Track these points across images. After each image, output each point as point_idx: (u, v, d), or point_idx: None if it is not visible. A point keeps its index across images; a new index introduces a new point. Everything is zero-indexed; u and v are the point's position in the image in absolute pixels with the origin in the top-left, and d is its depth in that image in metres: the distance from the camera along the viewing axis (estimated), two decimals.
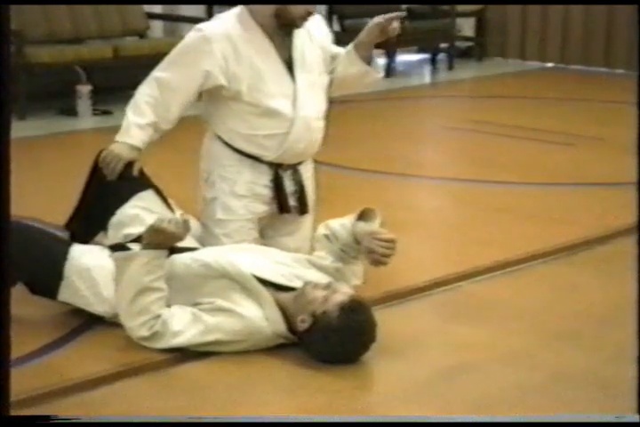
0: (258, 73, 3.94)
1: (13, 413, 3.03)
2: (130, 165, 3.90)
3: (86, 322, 3.65)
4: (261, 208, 4.10)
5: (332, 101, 4.21)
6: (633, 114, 7.55)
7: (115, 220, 3.83)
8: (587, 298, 4.11)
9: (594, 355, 3.57)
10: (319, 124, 4.10)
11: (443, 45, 10.03)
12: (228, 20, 4.00)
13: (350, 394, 3.26)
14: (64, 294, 3.66)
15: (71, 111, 7.46)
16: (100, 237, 3.93)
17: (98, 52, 7.72)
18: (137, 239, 3.64)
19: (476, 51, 10.40)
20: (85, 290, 3.63)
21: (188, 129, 4.11)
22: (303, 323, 3.40)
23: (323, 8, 9.03)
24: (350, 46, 4.08)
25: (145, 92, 3.94)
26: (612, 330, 3.78)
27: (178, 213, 3.88)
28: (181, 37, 4.13)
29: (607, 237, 4.80)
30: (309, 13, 3.94)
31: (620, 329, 3.76)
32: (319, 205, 4.30)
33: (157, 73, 3.97)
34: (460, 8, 9.91)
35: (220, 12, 4.27)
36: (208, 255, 3.64)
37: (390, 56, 9.41)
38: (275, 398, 3.26)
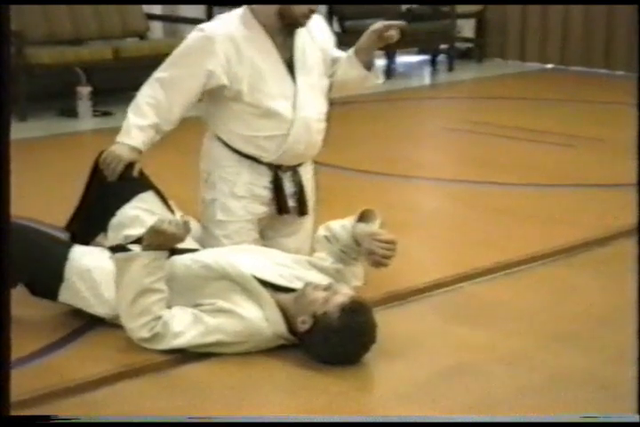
0: (259, 73, 3.95)
1: (14, 413, 3.04)
2: (130, 166, 3.90)
3: (87, 323, 3.66)
4: (261, 209, 4.10)
5: (332, 103, 4.21)
6: (633, 115, 7.58)
7: (115, 221, 3.84)
8: (586, 299, 4.11)
9: (593, 356, 3.57)
10: (319, 126, 4.10)
11: (443, 47, 10.03)
12: (230, 21, 4.00)
13: (351, 395, 3.26)
14: (64, 296, 3.67)
15: (71, 112, 7.47)
16: (100, 238, 3.93)
17: (98, 54, 7.73)
18: (137, 240, 3.64)
19: (476, 52, 10.41)
20: (86, 291, 3.63)
21: (189, 130, 4.11)
22: (304, 324, 3.41)
23: (323, 9, 9.04)
24: (351, 51, 4.08)
25: (147, 93, 3.94)
26: (611, 331, 3.78)
27: (178, 215, 3.89)
28: (182, 38, 4.13)
29: (607, 239, 4.80)
30: (312, 12, 3.95)
31: (620, 330, 3.76)
32: (319, 206, 4.30)
33: (159, 74, 3.97)
34: (460, 9, 9.91)
35: (219, 13, 4.27)
36: (208, 256, 3.64)
37: (390, 57, 9.42)
38: (275, 399, 3.26)
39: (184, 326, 3.44)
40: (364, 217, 3.84)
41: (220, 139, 4.07)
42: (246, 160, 4.05)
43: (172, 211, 3.92)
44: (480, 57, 10.36)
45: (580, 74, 9.85)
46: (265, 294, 3.49)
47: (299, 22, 3.96)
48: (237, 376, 3.36)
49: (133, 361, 3.39)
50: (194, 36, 3.98)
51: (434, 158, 6.70)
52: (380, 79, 4.21)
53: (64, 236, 4.00)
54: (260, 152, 4.03)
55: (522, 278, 4.35)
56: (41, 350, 3.48)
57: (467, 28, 10.37)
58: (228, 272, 3.52)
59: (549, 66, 10.19)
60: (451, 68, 9.85)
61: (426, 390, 3.30)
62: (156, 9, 8.50)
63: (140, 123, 3.91)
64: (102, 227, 3.88)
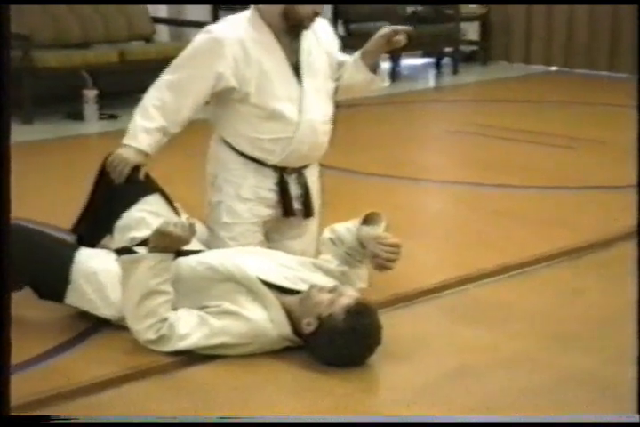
0: (266, 75, 3.95)
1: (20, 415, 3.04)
2: (136, 169, 3.90)
3: (93, 325, 3.66)
4: (266, 212, 4.10)
5: (338, 105, 4.21)
6: (635, 117, 7.57)
7: (121, 223, 3.84)
8: (588, 301, 4.12)
9: (596, 357, 3.57)
10: (324, 128, 4.10)
11: (447, 50, 10.04)
12: (238, 23, 3.99)
13: (356, 397, 3.26)
14: (71, 298, 3.67)
15: (78, 115, 7.47)
16: (106, 240, 3.94)
17: (104, 57, 7.74)
18: (143, 243, 3.64)
19: (481, 55, 10.41)
20: (92, 293, 3.63)
21: (196, 132, 4.11)
22: (309, 326, 3.41)
23: (328, 12, 9.05)
24: (357, 54, 4.08)
25: (154, 96, 3.94)
26: (613, 333, 3.78)
27: (184, 217, 3.89)
28: (187, 42, 4.12)
29: (609, 241, 4.80)
30: (316, 13, 3.95)
31: (622, 332, 3.75)
32: (325, 208, 4.30)
33: (167, 76, 3.97)
34: (465, 12, 9.91)
35: (224, 16, 4.27)
36: (214, 258, 3.65)
37: (395, 60, 9.42)
38: (280, 401, 3.26)
39: (190, 328, 3.44)
40: (369, 220, 3.84)
41: (226, 142, 4.08)
42: (252, 163, 4.05)
43: (177, 213, 3.92)
44: (484, 60, 10.36)
45: (583, 76, 9.85)
46: (270, 295, 3.49)
47: (303, 24, 3.96)
48: (243, 378, 3.36)
49: (139, 363, 3.40)
50: (202, 38, 3.98)
51: (438, 161, 6.70)
52: (386, 82, 4.21)
53: (70, 238, 4.01)
54: (265, 155, 4.03)
55: (525, 281, 4.35)
56: (47, 352, 3.48)
57: (471, 30, 10.37)
58: (234, 274, 3.53)
59: (553, 68, 10.19)
60: (455, 71, 9.85)
61: (431, 391, 3.30)
62: (162, 12, 8.51)
63: (146, 125, 3.91)
64: (108, 229, 3.88)
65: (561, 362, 3.53)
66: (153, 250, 3.50)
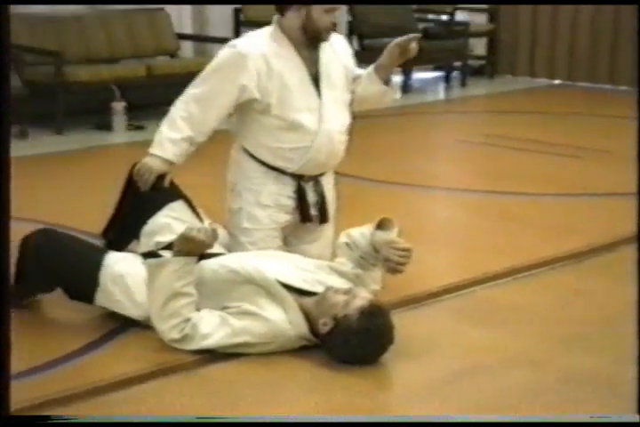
0: (287, 87, 3.94)
1: (53, 410, 3.05)
2: (162, 177, 3.91)
3: (121, 325, 3.66)
4: (284, 218, 4.10)
5: (354, 117, 4.21)
6: (635, 128, 7.51)
7: (147, 229, 3.85)
8: (592, 303, 4.10)
9: (599, 357, 3.55)
10: (341, 138, 4.10)
11: (456, 64, 10.02)
12: (261, 37, 3.99)
13: (370, 393, 3.26)
14: (100, 299, 3.67)
15: (106, 126, 7.49)
16: (133, 244, 3.95)
17: (132, 71, 7.75)
18: (168, 247, 3.65)
19: (488, 69, 10.40)
20: (120, 295, 3.64)
21: (220, 142, 4.11)
22: (325, 326, 3.40)
23: (344, 28, 9.05)
24: (371, 68, 4.08)
25: (181, 108, 3.94)
26: (617, 333, 3.76)
27: (206, 222, 3.89)
28: (211, 57, 4.13)
29: (612, 245, 4.78)
30: (334, 25, 3.95)
31: (625, 333, 3.74)
32: (340, 214, 4.30)
33: (193, 89, 3.97)
34: (473, 28, 9.90)
35: (245, 32, 4.28)
36: (235, 262, 3.64)
37: (407, 74, 9.41)
38: (299, 397, 3.25)
39: (212, 328, 3.44)
40: (382, 225, 3.84)
41: (246, 151, 4.08)
42: (272, 171, 4.05)
43: (200, 219, 3.92)
44: (492, 73, 10.35)
45: (586, 89, 9.83)
46: (288, 297, 3.49)
47: (322, 36, 3.96)
48: (263, 375, 3.36)
49: (165, 360, 3.40)
50: (226, 52, 3.98)
51: (448, 169, 6.69)
52: (397, 94, 4.21)
53: (99, 242, 4.01)
54: (285, 163, 4.03)
55: (531, 283, 4.33)
56: (79, 350, 3.49)
57: (479, 46, 10.36)
58: (254, 277, 3.52)
59: (557, 82, 10.16)
60: (464, 84, 9.84)
61: (440, 389, 3.29)
62: (187, 29, 8.53)
63: (173, 136, 3.91)
64: (135, 234, 3.89)
65: (565, 362, 3.51)
66: (177, 254, 3.50)
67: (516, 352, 3.58)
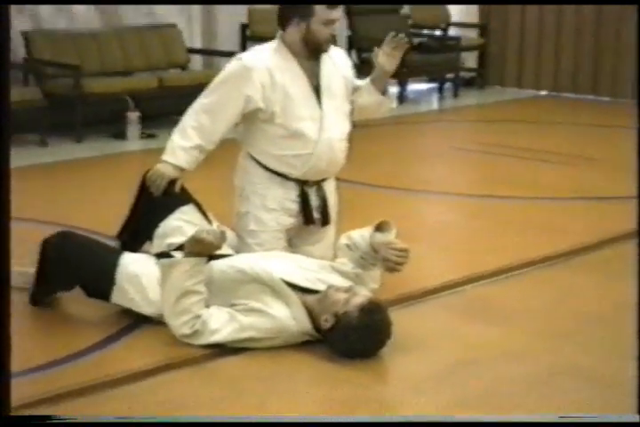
0: (290, 98, 3.93)
1: (73, 402, 3.04)
2: (173, 182, 3.90)
3: (135, 321, 3.65)
4: (289, 220, 4.09)
5: (353, 126, 4.20)
6: (617, 136, 7.54)
7: (160, 231, 3.83)
8: (582, 299, 4.09)
9: (587, 351, 3.54)
10: (342, 146, 4.09)
11: (449, 76, 10.01)
12: (265, 51, 3.99)
13: (371, 385, 3.25)
14: (116, 297, 3.66)
15: (121, 135, 7.48)
16: (146, 246, 3.93)
17: (145, 83, 7.74)
18: (179, 248, 3.64)
19: (479, 80, 10.38)
20: (134, 293, 3.62)
21: (227, 150, 4.10)
22: (326, 322, 3.39)
23: (343, 42, 9.04)
24: (367, 80, 4.07)
25: (191, 118, 3.94)
26: (607, 328, 3.75)
27: (215, 225, 3.88)
28: (218, 69, 4.12)
29: (600, 245, 4.78)
30: (332, 36, 3.94)
31: (615, 328, 3.75)
32: (341, 217, 4.28)
33: (202, 100, 3.96)
34: (465, 43, 9.90)
35: (251, 46, 4.27)
36: (242, 262, 3.63)
37: (402, 85, 9.39)
38: (303, 389, 3.25)
39: (220, 324, 3.43)
40: (380, 227, 3.82)
41: (253, 158, 4.06)
42: (276, 177, 4.04)
43: (210, 222, 3.91)
44: (482, 85, 10.34)
45: (570, 100, 9.81)
46: (292, 295, 3.48)
47: (322, 47, 3.95)
48: (268, 368, 3.35)
49: (176, 355, 3.39)
50: (233, 64, 3.97)
51: (442, 175, 6.67)
52: (394, 104, 4.20)
53: (115, 244, 4.00)
54: (289, 169, 4.02)
55: (523, 281, 4.32)
56: (96, 345, 3.48)
57: (470, 59, 10.35)
58: (260, 276, 3.51)
59: (543, 92, 10.15)
60: (456, 95, 9.82)
61: (436, 381, 3.28)
62: (197, 43, 8.52)
63: (184, 144, 3.91)
64: (149, 236, 3.88)
65: (555, 356, 3.50)
66: (188, 255, 3.49)
67: (509, 347, 3.57)
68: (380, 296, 3.62)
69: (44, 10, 7.60)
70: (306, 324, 3.44)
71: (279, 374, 3.31)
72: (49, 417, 2.55)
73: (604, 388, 3.21)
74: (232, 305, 3.51)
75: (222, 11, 8.60)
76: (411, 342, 3.51)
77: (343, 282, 3.62)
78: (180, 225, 3.80)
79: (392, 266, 3.69)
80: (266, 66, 3.91)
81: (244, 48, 8.25)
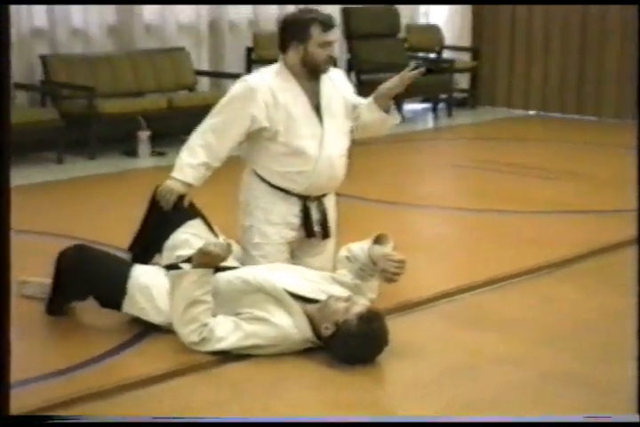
0: (292, 117, 3.94)
1: (84, 406, 3.03)
2: (182, 197, 3.90)
3: (145, 330, 3.64)
4: (291, 234, 4.08)
5: (352, 143, 4.20)
6: (602, 153, 7.55)
7: (169, 244, 3.83)
8: (570, 307, 4.09)
9: (575, 356, 3.53)
10: (341, 162, 4.08)
11: (443, 96, 10.02)
12: (268, 73, 3.99)
13: (370, 390, 3.25)
14: (127, 307, 3.65)
15: (133, 153, 7.49)
16: (157, 258, 3.93)
17: (155, 104, 7.75)
18: (187, 260, 3.63)
19: (471, 100, 10.39)
20: (145, 303, 3.61)
21: (231, 168, 4.10)
22: (327, 330, 3.38)
23: (343, 64, 9.06)
24: (370, 98, 4.07)
25: (199, 137, 3.94)
26: (587, 334, 3.75)
27: (221, 238, 3.87)
28: (225, 90, 4.13)
29: (584, 256, 4.77)
30: (330, 57, 3.94)
31: (603, 334, 3.74)
32: (340, 230, 4.28)
33: (209, 120, 3.97)
34: (458, 65, 9.91)
35: (256, 68, 4.27)
36: (247, 273, 3.63)
37: (399, 105, 9.38)
38: (305, 393, 3.24)
39: (226, 332, 3.42)
40: (378, 240, 3.82)
41: (257, 174, 4.06)
42: (279, 192, 4.03)
43: (216, 235, 3.90)
44: (474, 105, 10.34)
45: (557, 119, 9.82)
46: (294, 304, 3.47)
47: (320, 68, 3.95)
48: (272, 374, 3.34)
49: (184, 361, 3.39)
50: (238, 86, 3.97)
51: (437, 190, 6.67)
52: (398, 119, 4.17)
53: (126, 256, 3.99)
54: (291, 185, 4.02)
55: (515, 290, 4.31)
56: (108, 352, 3.47)
57: (463, 80, 10.35)
58: (264, 286, 3.50)
59: (532, 112, 10.16)
60: (450, 114, 9.83)
61: (432, 385, 3.27)
62: (204, 66, 8.53)
63: (191, 162, 3.91)
64: (158, 248, 3.87)
65: (544, 361, 3.49)
66: (196, 266, 3.49)
67: (500, 352, 3.56)
68: (377, 305, 3.61)
69: (61, 35, 7.62)
70: (307, 331, 3.43)
71: (282, 380, 3.31)
72: (49, 417, 2.53)
73: (597, 392, 3.20)
74: (237, 314, 3.50)
75: (229, 35, 8.62)
76: (407, 349, 3.50)
77: (343, 292, 3.61)
78: (188, 238, 3.79)
79: (390, 276, 3.69)
80: (269, 87, 3.91)
81: (249, 70, 8.26)
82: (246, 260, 4.02)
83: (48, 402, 3.03)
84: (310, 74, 3.96)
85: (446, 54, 10.32)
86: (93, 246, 3.94)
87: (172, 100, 7.80)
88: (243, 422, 2.82)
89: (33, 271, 4.06)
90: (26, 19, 7.40)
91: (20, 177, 6.57)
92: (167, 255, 3.81)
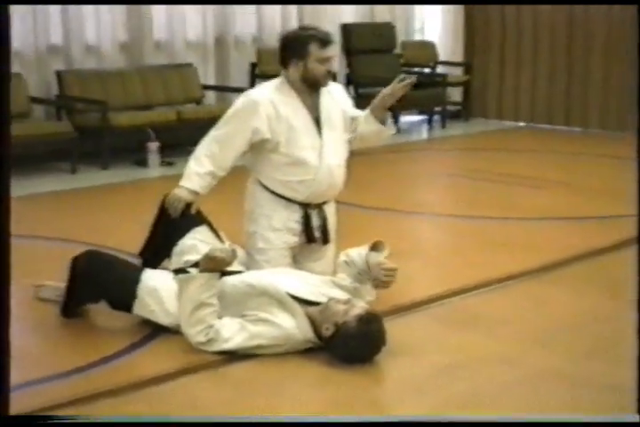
0: (293, 129, 3.95)
1: (98, 403, 3.03)
2: (189, 205, 3.90)
3: (155, 331, 3.64)
4: (293, 239, 4.08)
5: (351, 153, 4.20)
6: (587, 162, 7.55)
7: (177, 249, 3.83)
8: (555, 309, 4.08)
9: (562, 355, 3.53)
10: (340, 172, 4.09)
11: (437, 109, 10.02)
12: (270, 87, 4.00)
13: (367, 387, 3.24)
14: (137, 309, 3.65)
15: (143, 163, 7.49)
16: (165, 262, 3.93)
17: (164, 116, 7.76)
18: (195, 265, 3.63)
19: (464, 113, 10.39)
20: (154, 306, 3.62)
21: (236, 177, 4.11)
22: (327, 330, 3.39)
23: (342, 79, 9.06)
24: (367, 110, 4.08)
25: (205, 147, 3.95)
26: (577, 334, 3.75)
27: (227, 244, 3.87)
28: (230, 104, 4.14)
29: (570, 261, 4.76)
30: (329, 72, 3.95)
31: (585, 333, 3.74)
32: (339, 236, 4.28)
33: (215, 131, 3.98)
34: (451, 79, 9.92)
35: (260, 83, 4.28)
36: (252, 277, 3.63)
37: (395, 117, 9.40)
38: (306, 391, 3.24)
39: (232, 333, 3.42)
40: (375, 246, 3.83)
41: (260, 183, 4.07)
42: (282, 200, 4.04)
43: (222, 241, 3.91)
44: (467, 117, 10.35)
45: (545, 130, 9.82)
46: (297, 307, 3.47)
47: (320, 83, 3.96)
48: (275, 372, 3.34)
49: (192, 360, 3.39)
50: (242, 100, 3.99)
51: (431, 198, 6.67)
52: (393, 130, 4.18)
53: (137, 261, 4.00)
54: (293, 193, 4.02)
55: (504, 293, 4.31)
56: (120, 352, 3.47)
57: (456, 94, 10.36)
58: (268, 290, 3.51)
59: (521, 124, 10.17)
60: (444, 126, 9.84)
61: (426, 383, 3.27)
62: (210, 80, 8.54)
63: (198, 171, 3.91)
64: (167, 254, 3.87)
65: (532, 360, 3.49)
66: (203, 271, 3.49)
67: (491, 352, 3.56)
68: (375, 308, 3.61)
69: (75, 51, 7.63)
70: (309, 332, 3.43)
71: (285, 378, 3.31)
72: (49, 417, 2.51)
73: (587, 390, 3.20)
74: (242, 316, 3.50)
75: (234, 51, 8.63)
76: (403, 349, 3.50)
77: (342, 295, 3.61)
78: (196, 244, 3.80)
79: (380, 284, 3.71)
80: (271, 100, 3.92)
81: (252, 84, 8.26)
82: (251, 264, 4.03)
83: (64, 399, 3.03)
84: (311, 88, 3.98)
85: (440, 69, 10.33)
86: (105, 252, 3.94)
87: (181, 112, 7.81)
88: (243, 423, 2.82)
89: (48, 275, 4.07)
90: (43, 36, 7.42)
91: (36, 186, 6.59)
92: (175, 260, 3.81)
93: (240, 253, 3.90)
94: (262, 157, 4.01)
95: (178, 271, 3.65)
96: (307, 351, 3.46)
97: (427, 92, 9.45)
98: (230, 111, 3.99)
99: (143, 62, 8.07)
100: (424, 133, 9.90)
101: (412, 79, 3.96)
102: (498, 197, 6.35)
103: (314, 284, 3.65)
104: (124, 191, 6.65)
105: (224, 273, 3.58)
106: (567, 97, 9.74)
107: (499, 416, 2.94)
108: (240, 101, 3.98)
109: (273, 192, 4.04)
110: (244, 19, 8.59)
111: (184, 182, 3.92)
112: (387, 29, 9.77)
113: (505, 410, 3.04)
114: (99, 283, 3.69)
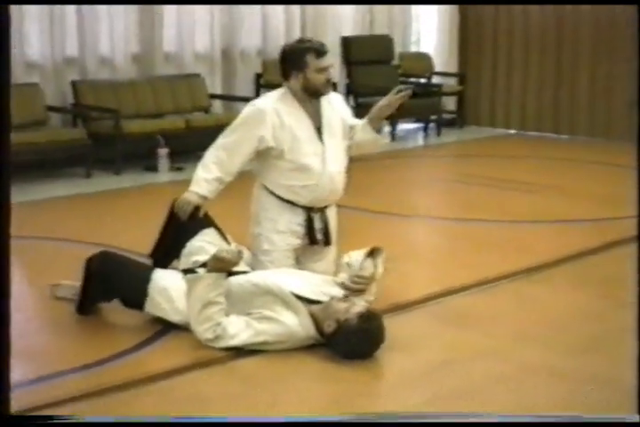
0: (296, 137, 3.95)
1: (111, 396, 3.03)
2: (198, 208, 3.90)
3: (165, 328, 3.64)
4: (296, 241, 4.08)
5: (350, 159, 4.21)
6: (575, 168, 7.55)
7: (186, 250, 3.83)
8: (545, 307, 4.08)
9: (551, 351, 3.53)
10: (341, 177, 4.09)
11: (432, 117, 10.02)
12: (275, 97, 4.00)
13: (366, 382, 3.25)
14: (148, 307, 3.65)
15: (153, 168, 7.49)
16: (175, 263, 3.93)
17: (173, 124, 7.76)
18: (203, 265, 3.63)
19: (458, 121, 10.39)
20: (164, 304, 3.62)
21: (245, 181, 4.11)
22: (329, 328, 3.38)
23: (342, 89, 9.06)
24: (365, 120, 4.08)
25: (212, 154, 3.95)
26: (563, 332, 3.75)
27: (233, 245, 3.87)
28: (237, 112, 4.14)
29: (560, 261, 4.76)
30: (328, 80, 3.95)
31: (571, 330, 3.74)
32: (340, 238, 4.28)
33: (222, 139, 3.98)
34: (446, 89, 9.92)
35: (264, 92, 4.28)
36: (257, 277, 3.63)
37: (393, 125, 9.40)
38: (310, 385, 3.24)
39: (238, 330, 3.42)
40: (372, 252, 3.84)
41: (266, 188, 4.07)
42: (286, 204, 4.04)
43: (228, 242, 3.90)
44: (461, 125, 10.35)
45: (534, 137, 9.82)
46: (300, 305, 3.47)
47: (320, 91, 3.96)
48: (280, 367, 3.34)
49: (201, 356, 3.39)
50: (248, 109, 3.99)
51: (427, 202, 6.67)
52: (388, 140, 4.20)
53: (148, 261, 4.00)
54: (296, 198, 4.02)
55: (496, 292, 4.31)
56: (132, 348, 3.47)
57: (450, 103, 10.35)
58: (272, 289, 3.51)
59: (512, 131, 10.17)
60: (439, 133, 9.83)
61: (423, 377, 3.27)
62: (218, 90, 8.53)
63: (206, 176, 3.92)
64: (177, 255, 3.87)
65: (523, 355, 3.49)
66: (210, 271, 3.49)
67: (484, 348, 3.56)
68: (375, 306, 3.61)
69: (90, 63, 7.63)
70: (311, 329, 3.43)
71: (288, 373, 3.31)
72: (50, 417, 2.47)
73: (574, 383, 3.20)
74: (248, 314, 3.50)
75: (240, 62, 8.64)
76: (401, 345, 3.50)
77: (343, 294, 3.60)
78: (203, 245, 3.79)
79: (348, 292, 3.66)
80: (275, 110, 3.93)
81: (257, 94, 8.27)
82: (256, 265, 4.03)
83: (79, 392, 3.03)
84: (312, 97, 3.98)
85: (435, 79, 10.32)
86: (118, 253, 3.94)
87: (189, 120, 7.81)
88: (244, 422, 2.81)
89: (64, 275, 4.07)
90: (59, 48, 7.43)
91: (52, 190, 6.60)
92: (184, 261, 3.81)
93: (246, 254, 3.90)
94: (268, 163, 4.02)
95: (187, 271, 3.65)
96: (309, 348, 3.46)
97: (423, 102, 9.44)
98: (237, 120, 3.99)
99: (154, 73, 8.07)
100: (420, 141, 9.90)
101: (408, 91, 3.95)
102: (491, 201, 6.35)
103: (316, 283, 3.65)
104: (135, 195, 6.65)
105: (230, 273, 3.58)
106: (555, 106, 9.75)
107: (497, 416, 2.93)
108: (247, 111, 3.98)
109: (277, 196, 4.04)
110: (250, 32, 8.59)
111: (193, 187, 3.92)
112: (385, 41, 9.78)
113: (498, 403, 3.04)
114: (112, 282, 3.69)
